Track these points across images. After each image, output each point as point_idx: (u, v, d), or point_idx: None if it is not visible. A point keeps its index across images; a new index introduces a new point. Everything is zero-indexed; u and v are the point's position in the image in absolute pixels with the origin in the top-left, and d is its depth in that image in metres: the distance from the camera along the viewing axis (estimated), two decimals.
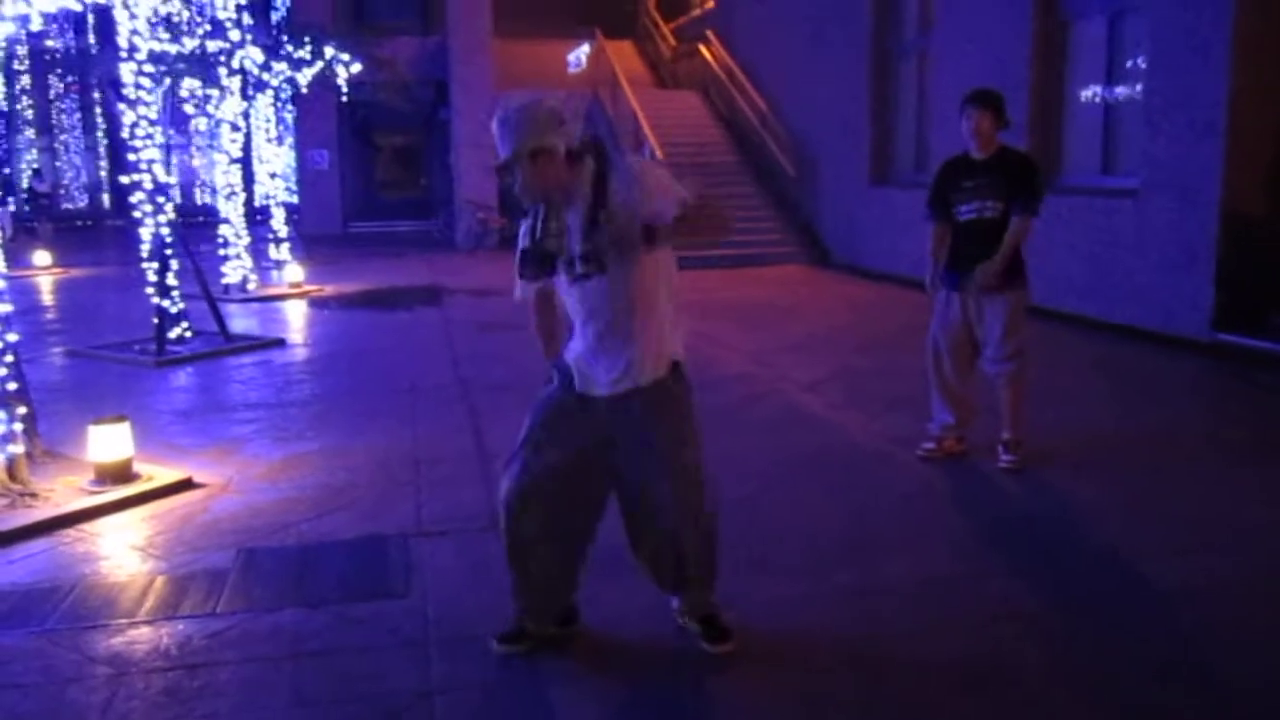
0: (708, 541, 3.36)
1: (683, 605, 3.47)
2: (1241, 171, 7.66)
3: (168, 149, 9.21)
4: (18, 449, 4.99)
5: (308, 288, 13.17)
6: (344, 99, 19.63)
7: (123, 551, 4.35)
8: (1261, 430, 6.03)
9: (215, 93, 12.35)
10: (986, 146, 5.11)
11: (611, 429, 3.19)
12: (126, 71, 8.33)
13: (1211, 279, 7.78)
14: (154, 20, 8.50)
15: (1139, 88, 8.82)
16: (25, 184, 25.43)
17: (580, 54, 22.07)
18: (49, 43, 24.84)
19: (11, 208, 23.80)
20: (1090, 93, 9.63)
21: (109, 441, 4.99)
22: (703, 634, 3.41)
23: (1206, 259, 7.82)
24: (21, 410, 5.21)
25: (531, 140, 2.97)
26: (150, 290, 8.78)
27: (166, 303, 8.74)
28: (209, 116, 13.12)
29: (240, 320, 10.61)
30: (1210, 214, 7.75)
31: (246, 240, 13.03)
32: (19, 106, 27.86)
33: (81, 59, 25.39)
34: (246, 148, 16.36)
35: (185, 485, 5.10)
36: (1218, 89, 7.61)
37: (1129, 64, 9.09)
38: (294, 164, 25.70)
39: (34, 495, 4.83)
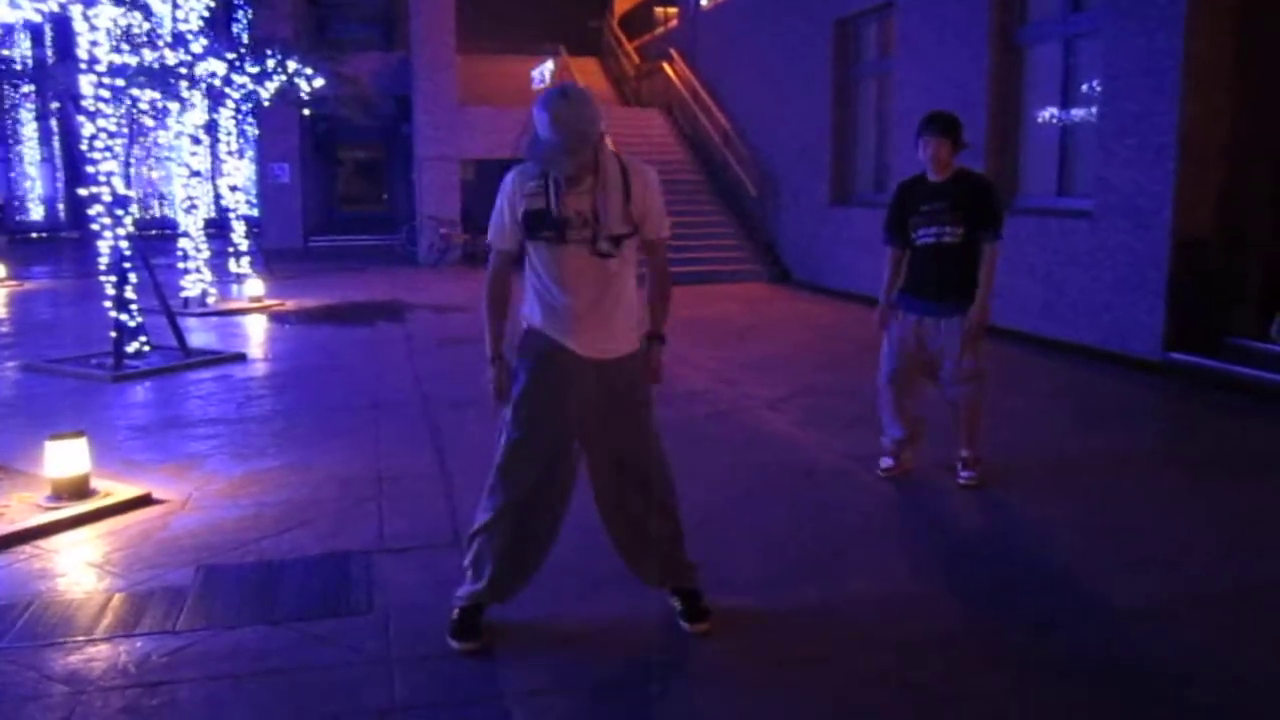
0: (677, 515, 3.68)
1: (670, 583, 3.68)
2: (1193, 194, 7.83)
3: (127, 162, 9.09)
4: None
5: (268, 302, 13.09)
6: (306, 113, 19.56)
7: (80, 568, 4.29)
8: (1214, 450, 6.15)
9: (176, 105, 12.27)
10: (944, 171, 5.10)
11: (595, 391, 3.42)
12: (86, 83, 8.26)
13: (1164, 300, 7.95)
14: (114, 32, 8.42)
15: (1093, 111, 9.00)
16: None
17: (544, 71, 22.13)
18: (4, 52, 24.51)
19: None
20: (1046, 115, 9.81)
21: (66, 457, 4.93)
22: (685, 611, 3.62)
23: (1158, 280, 7.98)
24: None
25: (595, 130, 3.21)
26: (108, 304, 8.68)
27: (124, 316, 8.65)
28: (168, 129, 13.03)
29: (199, 335, 10.51)
30: (1162, 236, 7.92)
31: (206, 254, 12.93)
32: None
33: (39, 70, 25.08)
34: (212, 160, 16.23)
35: (144, 501, 5.04)
36: (1169, 113, 7.79)
37: (1084, 88, 9.28)
38: (255, 177, 25.55)
39: None
